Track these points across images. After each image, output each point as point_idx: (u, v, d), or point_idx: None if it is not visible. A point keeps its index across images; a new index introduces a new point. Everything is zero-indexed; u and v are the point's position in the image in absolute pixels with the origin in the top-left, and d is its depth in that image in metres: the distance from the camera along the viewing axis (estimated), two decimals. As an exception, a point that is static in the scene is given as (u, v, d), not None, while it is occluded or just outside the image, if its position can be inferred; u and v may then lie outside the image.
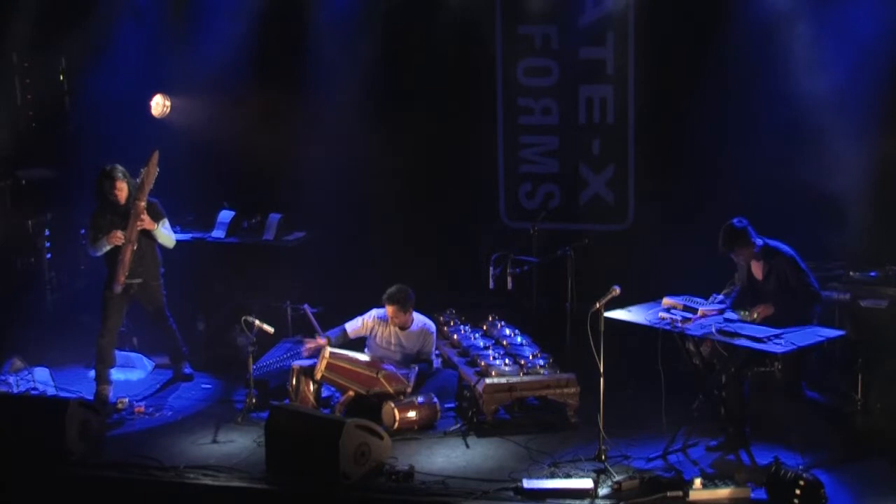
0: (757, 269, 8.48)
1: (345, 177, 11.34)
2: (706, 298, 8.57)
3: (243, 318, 9.33)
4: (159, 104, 11.39)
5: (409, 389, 9.19)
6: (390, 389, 9.10)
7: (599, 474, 7.87)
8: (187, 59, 11.44)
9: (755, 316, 8.20)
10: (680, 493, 7.62)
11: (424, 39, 10.96)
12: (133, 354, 10.56)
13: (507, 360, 9.24)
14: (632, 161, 11.04)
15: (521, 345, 9.61)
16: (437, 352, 9.78)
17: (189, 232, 11.22)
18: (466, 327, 10.14)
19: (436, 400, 9.19)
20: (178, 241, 10.09)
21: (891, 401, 8.88)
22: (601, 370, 8.08)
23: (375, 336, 9.62)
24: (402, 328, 9.57)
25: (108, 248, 9.63)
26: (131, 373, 10.38)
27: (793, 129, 10.11)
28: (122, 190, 9.59)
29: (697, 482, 7.63)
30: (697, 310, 8.37)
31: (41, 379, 10.02)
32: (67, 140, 11.72)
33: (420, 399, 9.08)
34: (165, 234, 9.84)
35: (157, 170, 9.60)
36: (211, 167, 11.40)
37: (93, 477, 8.22)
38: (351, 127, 11.27)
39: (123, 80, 11.24)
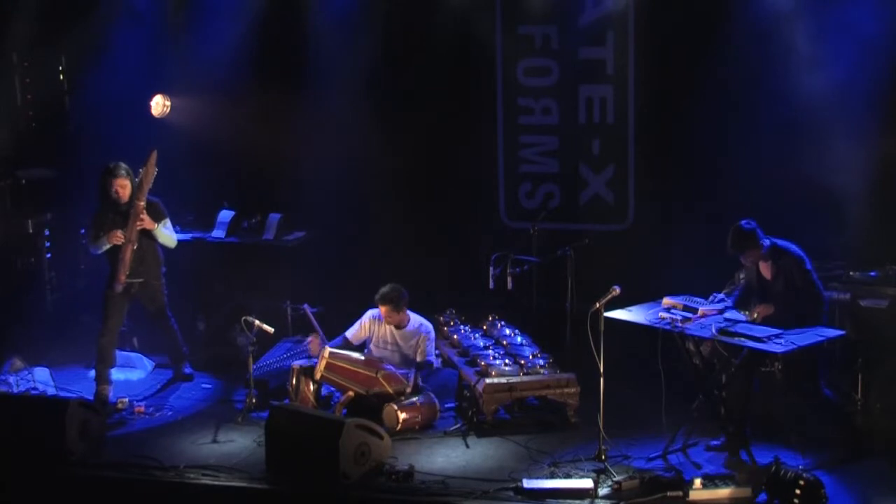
0: (766, 270, 8.47)
1: (345, 177, 11.34)
2: (706, 298, 8.57)
3: (243, 318, 9.34)
4: (159, 104, 11.39)
5: (409, 389, 9.19)
6: (390, 389, 9.10)
7: (599, 474, 7.88)
8: (187, 59, 11.44)
9: (755, 316, 8.19)
10: (680, 493, 7.63)
11: (424, 39, 10.96)
12: (133, 354, 10.57)
13: (507, 360, 9.24)
14: (632, 161, 11.04)
15: (521, 345, 9.61)
16: (437, 352, 9.77)
17: (189, 232, 11.21)
18: (466, 327, 10.14)
19: (435, 399, 9.20)
20: (178, 241, 10.09)
21: (891, 401, 8.88)
22: (601, 370, 8.08)
23: (373, 337, 9.62)
24: (398, 327, 9.57)
25: (108, 246, 9.64)
26: (131, 373, 10.38)
27: (793, 129, 10.11)
28: (125, 187, 9.59)
29: (697, 482, 7.64)
30: (697, 310, 8.37)
31: (41, 379, 10.02)
32: (67, 140, 11.71)
33: (420, 399, 9.09)
34: (166, 234, 9.84)
35: (156, 169, 9.60)
36: (211, 167, 11.40)
37: (93, 477, 8.22)
38: (351, 127, 11.27)
39: (123, 80, 11.23)
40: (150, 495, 8.11)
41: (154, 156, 9.59)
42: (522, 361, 9.17)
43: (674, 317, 8.33)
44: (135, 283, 9.73)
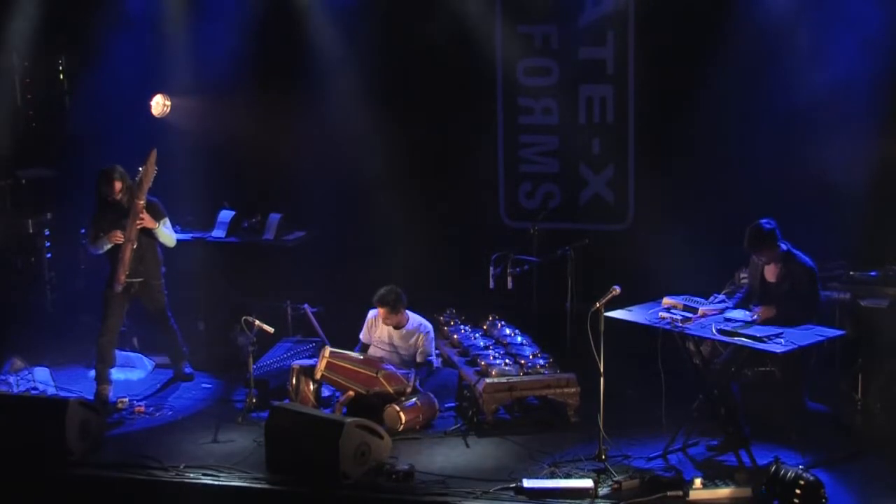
0: (771, 272, 8.45)
1: (345, 177, 11.34)
2: (706, 298, 8.57)
3: (243, 318, 9.33)
4: (159, 104, 11.38)
5: (409, 389, 9.19)
6: (390, 389, 9.10)
7: (599, 474, 7.87)
8: (187, 59, 11.43)
9: (755, 317, 8.18)
10: (680, 493, 7.63)
11: (424, 39, 10.95)
12: (133, 354, 10.57)
13: (507, 360, 9.24)
14: (632, 161, 11.04)
15: (521, 345, 9.61)
16: (437, 352, 9.78)
17: (189, 232, 11.21)
18: (466, 327, 10.14)
19: (435, 399, 9.20)
20: (178, 241, 10.09)
21: (891, 401, 8.87)
22: (601, 370, 8.08)
23: (373, 335, 9.62)
24: (397, 327, 9.57)
25: (108, 246, 9.64)
26: (131, 373, 10.38)
27: (793, 129, 10.11)
28: (120, 190, 9.58)
29: (697, 482, 7.64)
30: (697, 310, 8.37)
31: (41, 379, 10.03)
32: (67, 140, 11.71)
33: (420, 399, 9.09)
34: (166, 234, 9.84)
35: (156, 169, 9.61)
36: (211, 167, 11.39)
37: (93, 477, 8.22)
38: (351, 127, 11.27)
39: (123, 80, 11.23)
40: (150, 495, 8.11)
41: (154, 155, 9.60)
42: (522, 361, 9.17)
43: (674, 317, 8.33)
44: (135, 282, 9.74)
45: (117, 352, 10.05)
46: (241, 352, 9.76)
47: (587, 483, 7.75)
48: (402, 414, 8.84)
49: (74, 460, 8.36)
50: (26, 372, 10.07)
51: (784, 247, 8.36)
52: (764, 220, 8.33)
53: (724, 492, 7.64)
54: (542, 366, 9.15)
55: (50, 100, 11.86)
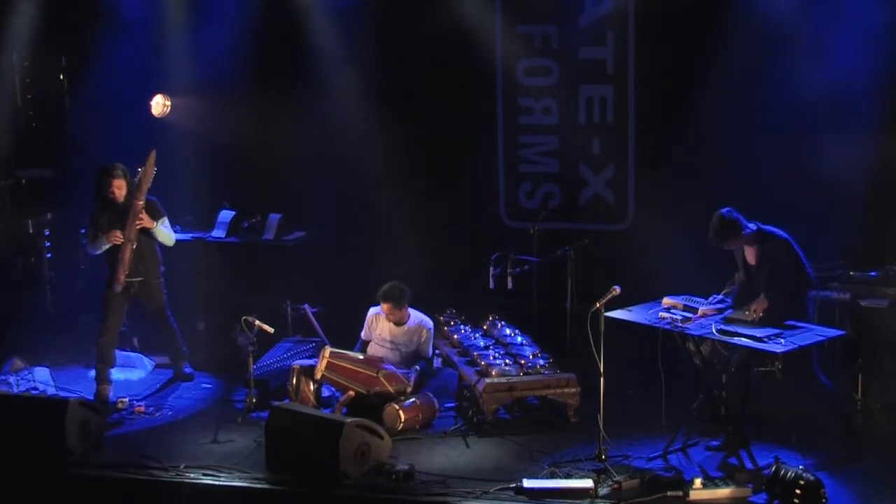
0: (750, 255, 8.44)
1: (345, 177, 11.34)
2: (706, 298, 8.57)
3: (243, 318, 9.33)
4: (159, 104, 11.39)
5: (409, 389, 9.19)
6: (390, 389, 9.10)
7: (599, 474, 7.86)
8: (187, 60, 11.43)
9: (755, 316, 8.17)
10: (680, 493, 7.63)
11: (424, 39, 10.95)
12: (133, 354, 10.57)
13: (507, 360, 9.25)
14: (632, 161, 11.04)
15: (521, 345, 9.61)
16: (437, 352, 9.78)
17: (189, 232, 11.22)
18: (466, 327, 10.14)
19: (434, 399, 9.20)
20: (178, 241, 10.11)
21: (891, 401, 8.88)
22: (601, 370, 8.08)
23: (374, 332, 9.63)
24: (398, 324, 9.57)
25: (107, 246, 9.65)
26: (131, 372, 10.38)
27: (793, 129, 10.11)
28: (121, 188, 9.60)
29: (697, 482, 7.64)
30: (697, 310, 8.37)
31: (41, 379, 10.03)
32: (67, 140, 11.72)
33: (420, 399, 9.09)
34: (165, 233, 9.84)
35: (155, 169, 9.61)
36: (211, 167, 11.39)
37: (93, 477, 8.22)
38: (351, 127, 11.27)
39: (123, 80, 11.24)
40: (150, 495, 8.11)
41: (153, 155, 9.60)
42: (522, 361, 9.18)
43: (674, 317, 8.33)
44: (134, 282, 9.74)
45: (117, 352, 10.05)
46: (241, 352, 9.76)
47: (587, 483, 7.75)
48: (401, 413, 8.84)
49: (74, 460, 8.36)
50: (26, 372, 10.07)
51: (753, 227, 8.34)
52: (724, 210, 8.31)
53: (724, 492, 7.64)
54: (542, 366, 9.15)
55: (50, 100, 11.86)
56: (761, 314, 8.14)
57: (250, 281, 11.01)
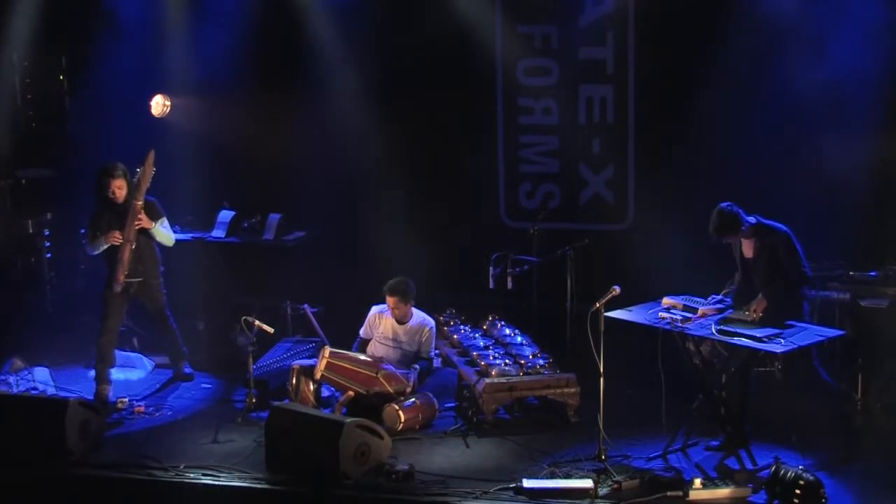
0: (748, 247, 8.44)
1: (345, 176, 11.35)
2: (706, 298, 8.57)
3: (243, 318, 9.33)
4: (159, 104, 11.39)
5: (409, 389, 9.19)
6: (390, 389, 9.10)
7: (599, 474, 7.86)
8: (187, 60, 11.43)
9: (755, 316, 8.17)
10: (680, 493, 7.63)
11: (424, 39, 10.95)
12: (133, 354, 10.57)
13: (507, 360, 9.24)
14: (632, 161, 11.05)
15: (521, 345, 9.61)
16: (437, 351, 9.78)
17: (189, 232, 11.22)
18: (466, 327, 10.14)
19: (434, 399, 9.20)
20: (178, 241, 10.10)
21: (891, 401, 8.87)
22: (601, 370, 8.08)
23: (375, 331, 9.63)
24: (401, 322, 9.57)
25: (105, 247, 9.64)
26: (131, 373, 10.38)
27: (794, 129, 10.12)
28: (121, 188, 9.59)
29: (697, 482, 7.64)
30: (697, 310, 8.37)
31: (41, 379, 10.02)
32: (67, 140, 11.71)
33: (420, 399, 9.09)
34: (164, 233, 9.84)
35: (154, 170, 9.61)
36: (211, 167, 11.39)
37: (93, 477, 8.22)
38: (351, 127, 11.27)
39: (123, 80, 11.24)
40: (150, 495, 8.11)
41: (152, 156, 9.60)
42: (522, 361, 9.18)
43: (674, 317, 8.33)
44: (134, 282, 9.74)
45: (117, 352, 10.05)
46: (241, 352, 9.76)
47: (587, 483, 7.75)
48: (401, 413, 8.84)
49: (74, 460, 8.36)
50: (26, 372, 10.07)
51: (753, 220, 8.35)
52: (724, 204, 8.31)
53: (724, 492, 7.64)
54: (541, 366, 9.15)
55: (50, 100, 11.86)
56: (761, 314, 8.14)
57: (250, 281, 11.01)
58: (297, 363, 9.35)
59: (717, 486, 7.67)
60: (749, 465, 8.05)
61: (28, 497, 8.16)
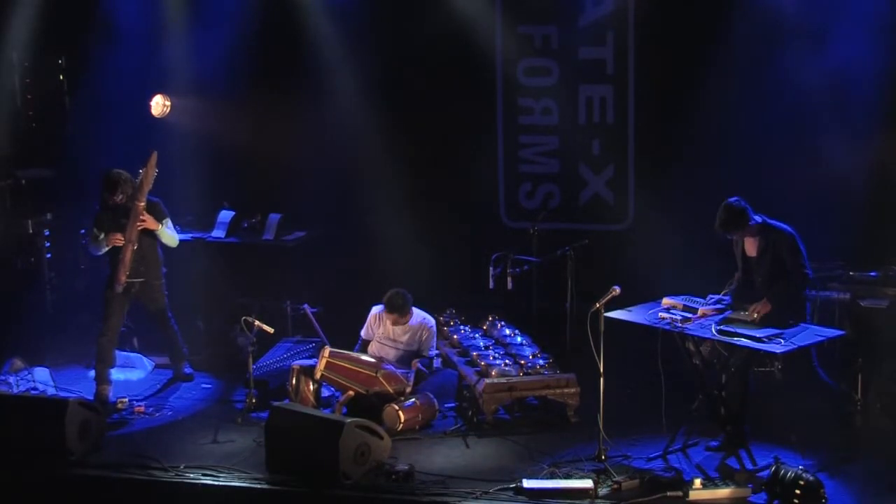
0: (751, 246, 8.43)
1: (345, 177, 11.35)
2: (706, 298, 8.56)
3: (243, 318, 9.33)
4: (159, 104, 11.39)
5: (409, 389, 9.19)
6: (390, 389, 9.10)
7: (599, 474, 7.87)
8: (187, 60, 11.43)
9: (755, 316, 8.17)
10: (680, 493, 7.63)
11: (424, 39, 10.95)
12: (133, 354, 10.56)
13: (507, 360, 9.25)
14: (632, 161, 11.05)
15: (521, 345, 9.61)
16: (437, 352, 9.78)
17: (189, 232, 11.21)
18: (466, 327, 10.14)
19: (434, 400, 9.20)
20: (179, 241, 10.09)
21: (891, 401, 8.87)
22: (601, 370, 8.08)
23: (376, 331, 9.63)
24: (400, 323, 9.58)
25: (107, 247, 9.64)
26: (131, 373, 10.38)
27: (793, 129, 10.12)
28: (120, 196, 9.57)
29: (697, 482, 7.64)
30: (697, 310, 8.37)
31: (41, 379, 10.02)
32: (67, 140, 11.71)
33: (420, 399, 9.09)
34: (169, 234, 9.84)
35: (156, 171, 9.61)
36: (211, 167, 11.40)
37: (93, 477, 8.22)
38: (351, 127, 11.28)
39: (123, 80, 11.23)
40: (151, 495, 8.11)
41: (154, 157, 9.60)
42: (522, 361, 9.18)
43: (674, 317, 8.33)
44: (135, 282, 9.74)
45: (117, 352, 10.05)
46: (241, 352, 9.76)
47: (587, 483, 7.75)
48: (400, 413, 8.84)
49: (74, 460, 8.36)
50: (26, 372, 10.07)
51: (759, 219, 8.34)
52: (733, 199, 8.30)
53: (724, 492, 7.64)
54: (541, 366, 9.15)
55: (50, 100, 11.85)
56: (762, 314, 8.14)
57: (250, 281, 11.01)
58: (297, 363, 9.35)
59: (717, 486, 7.67)
60: (749, 465, 8.05)
61: (28, 497, 8.16)
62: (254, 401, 9.24)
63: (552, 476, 7.95)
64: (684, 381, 8.62)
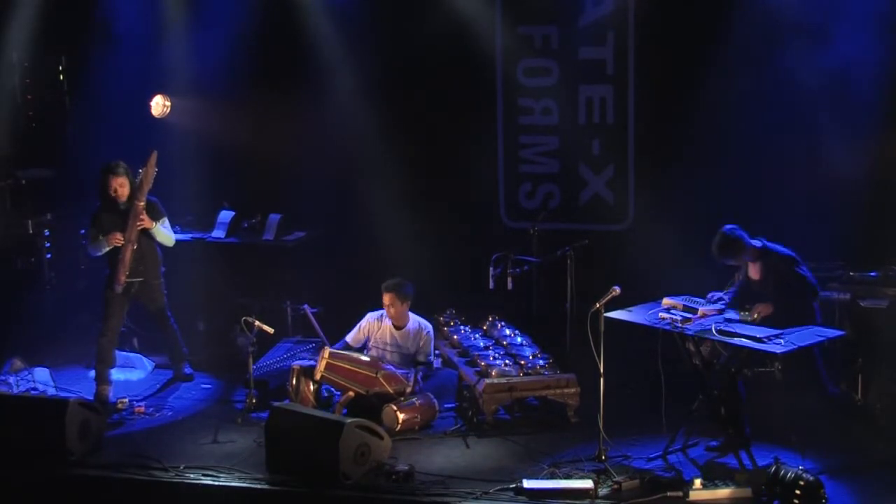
0: (754, 270, 8.47)
1: (345, 177, 11.35)
2: (706, 298, 8.57)
3: (243, 318, 9.33)
4: (159, 104, 11.39)
5: (409, 389, 9.19)
6: (390, 389, 9.10)
7: (599, 474, 7.87)
8: (188, 60, 11.43)
9: (755, 316, 8.18)
10: (680, 494, 7.63)
11: (424, 40, 10.95)
12: (133, 354, 10.57)
13: (507, 361, 9.24)
14: (632, 161, 11.04)
15: (521, 345, 9.61)
16: (437, 352, 9.78)
17: (189, 232, 11.22)
18: (466, 327, 10.14)
19: (434, 400, 9.20)
20: (178, 241, 10.10)
21: (891, 401, 8.87)
22: (601, 370, 8.08)
23: (371, 338, 9.61)
24: (398, 327, 9.56)
25: (107, 248, 9.64)
26: (131, 373, 10.38)
27: (793, 128, 10.12)
28: (124, 186, 9.59)
29: (697, 482, 7.64)
30: (697, 310, 8.37)
31: (41, 379, 10.02)
32: (67, 140, 11.71)
33: (419, 399, 9.09)
34: (164, 233, 9.84)
35: (156, 170, 9.61)
36: (211, 167, 11.40)
37: (93, 477, 8.22)
38: (351, 127, 11.28)
39: (123, 80, 11.24)
40: (150, 495, 8.11)
41: (154, 157, 9.60)
42: (522, 362, 9.17)
43: (674, 317, 8.32)
44: (134, 282, 9.74)
45: (117, 352, 10.05)
46: (241, 352, 9.76)
47: (587, 483, 7.75)
48: (399, 413, 8.84)
49: (74, 460, 8.36)
50: (26, 372, 10.07)
51: (758, 244, 8.35)
52: (727, 228, 8.34)
53: (724, 492, 7.64)
54: (542, 366, 9.15)
55: (50, 100, 11.85)
56: (763, 315, 8.15)
57: (250, 281, 11.01)
58: (296, 363, 9.34)
59: (716, 486, 7.67)
60: (749, 466, 8.05)
61: (28, 497, 8.16)
62: (254, 401, 9.24)
63: (552, 476, 7.95)
64: (684, 381, 8.62)
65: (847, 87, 9.84)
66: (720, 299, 8.52)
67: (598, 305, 8.09)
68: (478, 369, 9.16)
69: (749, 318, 8.18)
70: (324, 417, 8.47)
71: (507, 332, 9.91)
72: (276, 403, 8.73)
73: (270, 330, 9.51)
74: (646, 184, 10.97)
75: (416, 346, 9.57)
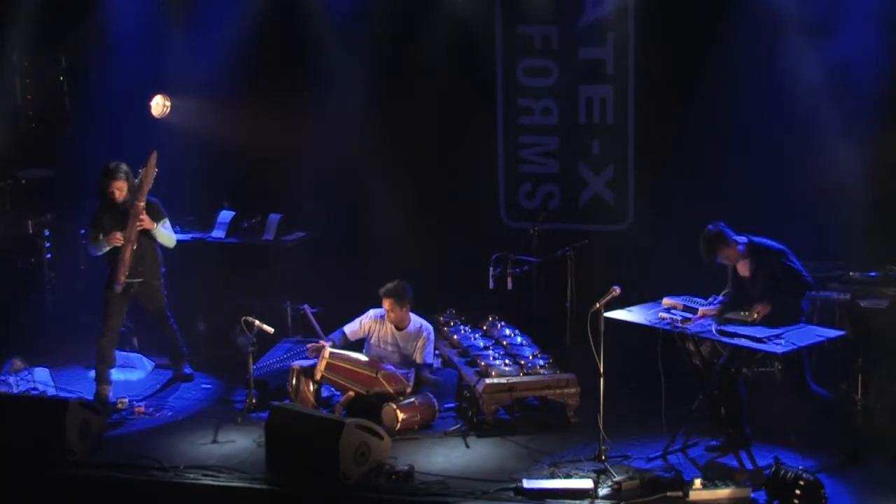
0: (744, 268, 8.43)
1: (345, 177, 11.34)
2: (706, 299, 8.57)
3: (243, 318, 9.33)
4: (159, 104, 11.39)
5: (409, 389, 9.19)
6: (390, 389, 9.10)
7: (599, 474, 7.87)
8: (188, 60, 11.43)
9: (755, 316, 8.17)
10: (680, 493, 7.63)
11: (424, 39, 10.96)
12: (133, 354, 10.56)
13: (507, 360, 9.24)
14: (632, 161, 11.04)
15: (521, 345, 9.61)
16: (437, 352, 9.77)
17: (189, 232, 11.22)
18: (466, 327, 10.14)
19: (434, 400, 9.20)
20: (178, 241, 10.09)
21: (891, 401, 8.87)
22: (601, 370, 8.08)
23: (372, 336, 9.61)
24: (399, 328, 9.55)
25: (107, 248, 9.64)
26: (131, 373, 10.38)
27: (793, 129, 10.12)
28: (121, 189, 9.59)
29: (697, 482, 7.64)
30: (697, 310, 8.37)
31: (41, 379, 10.02)
32: (67, 140, 11.71)
33: (419, 399, 9.09)
34: (165, 234, 9.84)
35: (156, 170, 9.61)
36: (211, 167, 11.40)
37: (93, 477, 8.22)
38: (351, 127, 11.28)
39: (123, 80, 11.24)
40: (150, 495, 8.11)
41: (154, 157, 9.60)
42: (522, 362, 9.17)
43: (674, 317, 8.33)
44: (134, 282, 9.74)
45: (117, 352, 10.05)
46: (241, 352, 9.76)
47: (587, 483, 7.75)
48: (399, 413, 8.84)
49: (74, 460, 8.36)
50: (26, 372, 10.06)
51: (744, 239, 8.34)
52: (710, 225, 8.32)
53: (724, 492, 7.64)
54: (541, 366, 9.15)
55: (50, 100, 11.85)
56: (763, 315, 8.14)
57: (250, 281, 11.01)
58: (297, 363, 9.34)
59: (717, 486, 7.67)
60: (749, 466, 8.05)
61: (28, 497, 8.16)
62: (254, 401, 9.24)
63: (552, 476, 7.96)
64: (684, 381, 8.62)
65: (847, 88, 9.85)
66: (720, 301, 8.51)
67: (598, 305, 8.09)
68: (478, 369, 9.16)
69: (749, 319, 8.17)
70: (324, 417, 8.48)
71: (507, 332, 9.91)
72: (276, 403, 8.73)
73: (270, 330, 9.51)
74: (646, 184, 10.97)
75: (415, 347, 9.56)
